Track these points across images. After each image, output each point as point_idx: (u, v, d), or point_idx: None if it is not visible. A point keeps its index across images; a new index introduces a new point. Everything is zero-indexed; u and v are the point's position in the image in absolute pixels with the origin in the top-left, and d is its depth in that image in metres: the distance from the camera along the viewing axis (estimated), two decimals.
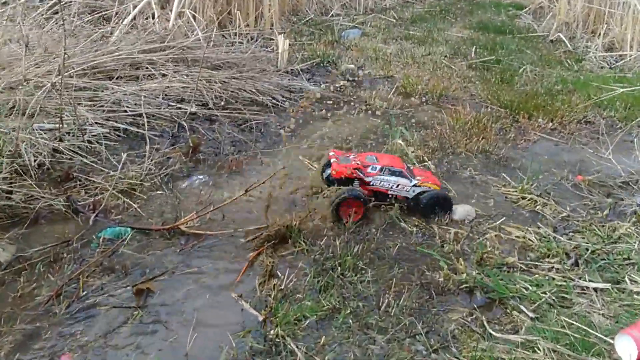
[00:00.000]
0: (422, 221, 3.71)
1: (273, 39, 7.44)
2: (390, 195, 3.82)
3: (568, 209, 4.00)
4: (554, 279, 3.12)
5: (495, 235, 3.60)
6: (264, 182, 3.72)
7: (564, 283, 3.08)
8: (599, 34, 8.36)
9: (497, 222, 3.75)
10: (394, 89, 6.20)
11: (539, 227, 3.72)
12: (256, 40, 7.64)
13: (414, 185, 3.80)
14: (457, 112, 5.48)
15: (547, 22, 9.61)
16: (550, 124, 5.44)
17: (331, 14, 9.95)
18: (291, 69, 6.57)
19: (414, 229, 3.63)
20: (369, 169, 3.78)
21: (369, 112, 5.60)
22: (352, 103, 5.83)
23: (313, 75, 6.63)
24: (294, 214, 3.51)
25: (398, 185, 3.79)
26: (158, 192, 3.96)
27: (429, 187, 3.82)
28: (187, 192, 3.98)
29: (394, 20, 9.73)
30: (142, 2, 6.95)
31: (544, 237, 3.59)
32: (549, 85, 6.42)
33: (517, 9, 11.21)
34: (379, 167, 3.79)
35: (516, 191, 4.18)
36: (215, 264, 3.22)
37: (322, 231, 3.50)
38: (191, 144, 4.59)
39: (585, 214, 3.95)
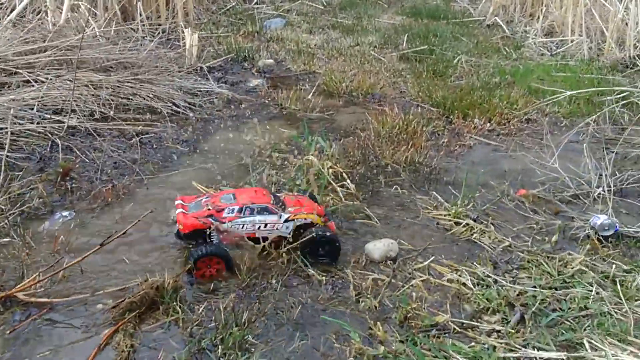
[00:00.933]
0: (333, 266, 2.97)
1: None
2: (259, 238, 3.01)
3: (510, 236, 3.33)
4: (494, 347, 2.42)
5: (423, 281, 2.88)
6: (124, 233, 2.88)
7: (508, 354, 2.37)
8: (538, 17, 7.78)
9: (426, 262, 3.04)
10: (314, 89, 5.41)
11: (476, 266, 3.02)
12: (164, 34, 6.71)
13: (287, 221, 3.01)
14: (384, 114, 4.74)
15: (484, 5, 8.98)
16: (488, 124, 4.78)
17: (255, 1, 9.05)
18: (200, 67, 5.69)
19: (324, 277, 2.88)
20: (224, 213, 2.94)
21: (284, 118, 4.82)
22: (265, 107, 5.02)
23: (225, 74, 5.78)
24: (166, 272, 2.69)
25: (266, 225, 2.98)
26: (4, 239, 3.08)
27: (306, 219, 3.04)
28: (44, 238, 3.12)
29: (322, 7, 8.92)
30: None
31: (482, 281, 2.90)
32: (486, 78, 5.77)
33: None
34: (236, 207, 2.95)
35: (449, 215, 3.48)
36: (56, 351, 2.39)
37: (205, 288, 2.72)
38: (60, 169, 3.72)
39: (530, 242, 3.28)
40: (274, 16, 8.28)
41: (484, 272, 2.95)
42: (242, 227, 2.95)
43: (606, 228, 3.34)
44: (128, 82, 4.85)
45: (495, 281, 2.90)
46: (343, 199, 3.60)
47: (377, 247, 3.06)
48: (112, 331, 2.45)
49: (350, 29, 7.67)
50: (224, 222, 2.93)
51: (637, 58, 6.43)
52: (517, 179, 3.97)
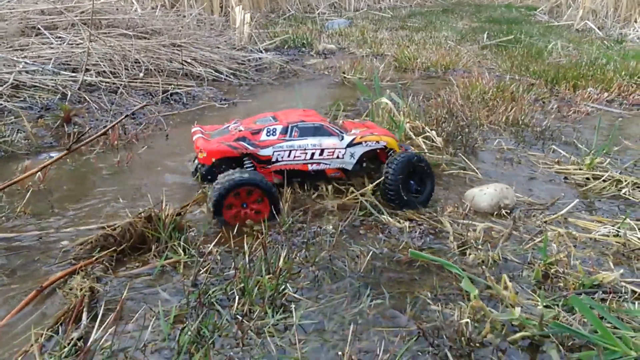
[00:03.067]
0: (419, 213, 1.96)
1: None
2: (311, 173, 2.06)
3: None
4: None
5: (564, 234, 1.82)
6: (103, 133, 2.00)
7: None
8: (635, 20, 6.70)
9: (561, 212, 1.98)
10: (384, 63, 4.50)
11: (638, 219, 1.94)
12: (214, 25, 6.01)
13: (350, 145, 2.06)
14: (472, 82, 3.75)
15: (570, 13, 7.97)
16: (606, 94, 3.69)
17: (317, 12, 8.38)
18: (251, 49, 4.90)
19: (407, 223, 1.87)
20: (262, 135, 2.01)
21: (347, 87, 3.91)
22: (325, 77, 4.14)
23: (280, 55, 4.96)
24: (163, 201, 1.74)
25: (322, 151, 2.03)
26: None
27: (378, 142, 2.09)
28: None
29: (389, 16, 8.13)
30: None
31: None
32: (592, 60, 4.70)
33: (530, 10, 9.61)
34: (279, 127, 2.03)
35: (581, 168, 2.42)
36: None
37: (227, 230, 1.76)
38: (61, 114, 2.90)
39: None
40: (337, 19, 7.55)
41: None
42: (289, 154, 2.00)
43: None
44: (165, 46, 4.08)
45: None
46: (427, 152, 2.61)
47: (486, 193, 2.03)
48: (64, 274, 1.50)
49: (422, 29, 6.79)
50: (263, 148, 1.99)
51: None
52: None
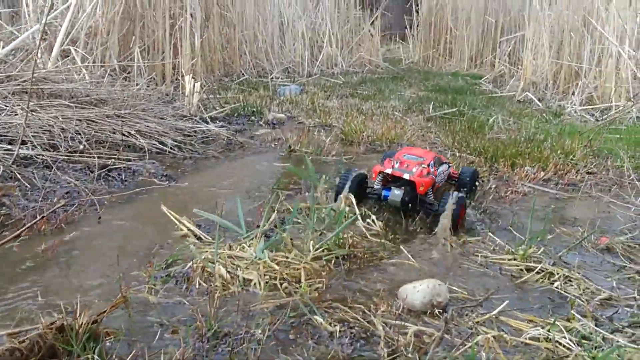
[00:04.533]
0: (348, 309, 1.91)
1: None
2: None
3: (606, 285, 2.26)
4: None
5: (494, 337, 1.79)
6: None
7: None
8: (573, 92, 7.00)
9: (493, 312, 1.96)
10: (331, 136, 4.52)
11: (568, 319, 1.94)
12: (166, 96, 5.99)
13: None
14: None
15: (512, 84, 8.29)
16: (543, 173, 3.78)
17: (271, 77, 8.46)
18: (201, 117, 4.88)
19: (337, 327, 1.81)
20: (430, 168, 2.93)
21: (293, 160, 3.90)
22: (271, 150, 4.13)
23: (229, 124, 4.94)
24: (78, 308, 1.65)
25: (444, 174, 3.16)
26: None
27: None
28: None
29: (340, 82, 8.28)
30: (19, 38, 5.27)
31: (585, 339, 1.81)
32: (530, 135, 4.84)
33: (475, 78, 9.95)
34: (430, 162, 2.95)
35: (515, 258, 2.43)
36: None
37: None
38: None
39: (637, 293, 2.20)
40: (289, 85, 7.63)
41: (585, 327, 1.86)
42: (440, 179, 3.03)
43: None
44: (109, 117, 4.01)
45: (604, 338, 1.81)
46: (368, 235, 2.60)
47: (419, 290, 2.00)
48: None
49: (371, 97, 6.92)
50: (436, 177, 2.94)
51: None
52: (595, 226, 2.93)
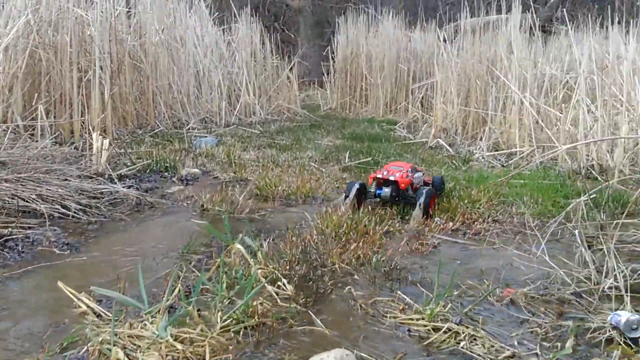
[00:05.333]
0: None
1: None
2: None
3: (510, 342, 2.32)
4: None
5: None
6: None
7: None
8: (481, 138, 7.35)
9: None
10: (245, 192, 4.49)
11: None
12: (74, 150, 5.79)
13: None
14: (328, 213, 3.83)
15: (424, 130, 8.61)
16: (451, 223, 3.90)
17: (188, 127, 8.37)
18: (109, 175, 4.72)
19: None
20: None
21: (205, 218, 3.83)
22: (183, 210, 4.04)
23: (139, 182, 4.81)
24: None
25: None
26: None
27: None
28: None
29: (258, 132, 8.30)
30: None
31: None
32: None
33: (391, 124, 10.27)
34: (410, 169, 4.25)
35: (423, 319, 2.46)
36: None
37: None
38: None
39: (539, 349, 2.28)
40: (205, 136, 7.56)
41: None
42: (417, 181, 4.27)
43: (634, 327, 2.39)
44: (7, 181, 3.81)
45: None
46: (279, 300, 2.57)
47: None
48: None
49: (288, 147, 6.97)
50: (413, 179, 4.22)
51: (590, 168, 5.91)
52: (500, 278, 3.04)
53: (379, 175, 4.10)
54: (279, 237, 3.47)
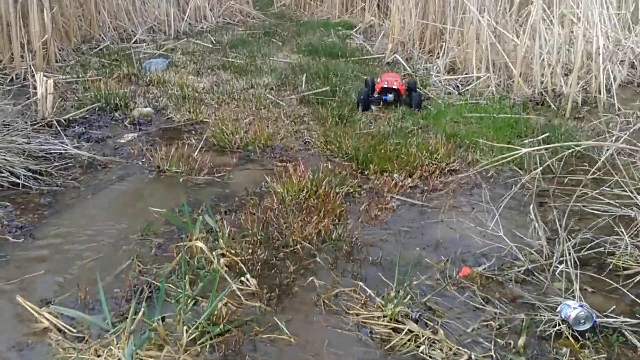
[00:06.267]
0: None
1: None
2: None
3: (466, 341, 2.41)
4: None
5: None
6: None
7: None
8: (438, 54, 7.17)
9: None
10: (202, 143, 4.32)
11: None
12: (17, 80, 5.39)
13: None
14: (288, 174, 3.75)
15: (380, 42, 8.33)
16: (409, 179, 3.89)
17: (134, 39, 7.85)
18: (57, 121, 4.45)
19: None
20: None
21: (162, 184, 3.70)
22: (139, 170, 3.88)
23: (90, 127, 4.57)
24: None
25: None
26: None
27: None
28: None
29: (211, 46, 7.86)
30: None
31: None
32: (398, 123, 4.93)
33: (347, 28, 9.88)
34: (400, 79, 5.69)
35: (384, 316, 2.51)
36: None
37: None
38: None
39: (493, 348, 2.38)
40: (155, 56, 7.12)
41: None
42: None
43: (582, 321, 2.50)
44: None
45: None
46: (243, 300, 2.57)
47: None
48: None
49: (243, 69, 6.66)
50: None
51: (544, 94, 5.91)
52: (456, 253, 3.10)
53: (385, 85, 5.35)
54: (240, 208, 3.40)
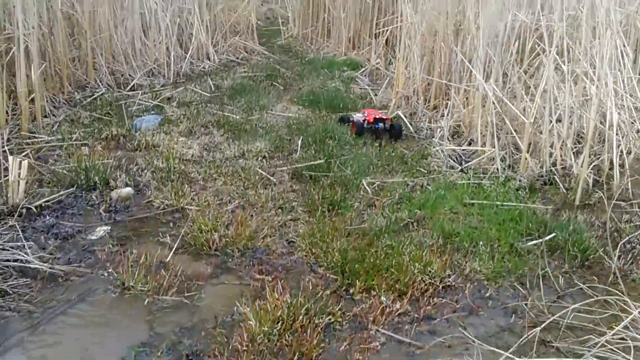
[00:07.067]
0: None
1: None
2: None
3: None
4: None
5: None
6: None
7: None
8: (442, 114, 6.73)
9: None
10: (177, 243, 3.93)
11: None
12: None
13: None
14: (264, 298, 3.34)
15: (384, 91, 7.90)
16: (398, 303, 3.47)
17: (131, 85, 7.48)
18: (27, 208, 4.08)
19: None
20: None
21: (123, 307, 3.30)
22: (102, 285, 3.48)
23: (62, 216, 4.18)
24: None
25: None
26: None
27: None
28: None
29: (209, 95, 7.47)
30: None
31: None
32: (392, 213, 4.51)
33: (353, 68, 9.46)
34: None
35: None
36: None
37: None
38: None
39: None
40: (150, 107, 6.75)
41: None
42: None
43: None
44: None
45: None
46: None
47: None
48: None
49: (238, 127, 6.25)
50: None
51: (554, 171, 5.45)
52: None
53: (376, 116, 6.14)
54: (205, 349, 2.99)
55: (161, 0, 8.40)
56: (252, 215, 4.33)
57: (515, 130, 5.82)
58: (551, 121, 5.59)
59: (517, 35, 7.16)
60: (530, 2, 8.30)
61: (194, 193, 4.66)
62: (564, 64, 5.70)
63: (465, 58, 6.55)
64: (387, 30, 9.39)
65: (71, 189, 4.50)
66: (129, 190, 4.57)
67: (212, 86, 7.81)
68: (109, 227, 4.09)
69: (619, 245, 4.17)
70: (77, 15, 7.08)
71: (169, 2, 8.60)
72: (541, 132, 5.70)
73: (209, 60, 9.03)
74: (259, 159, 5.47)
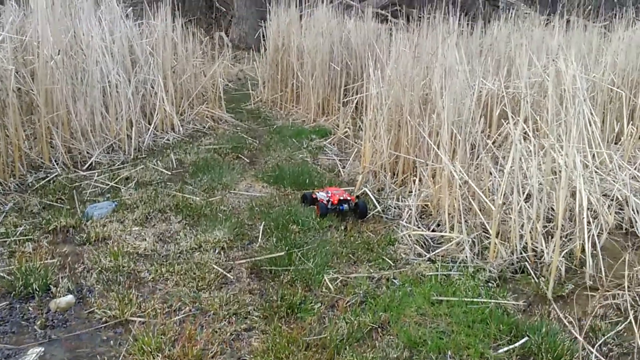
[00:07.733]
0: None
1: None
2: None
3: None
4: None
5: None
6: None
7: None
8: (410, 190, 6.49)
9: None
10: None
11: None
12: None
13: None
14: None
15: (352, 165, 7.68)
16: None
17: (89, 163, 7.13)
18: None
19: None
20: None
21: None
22: None
23: None
24: None
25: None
26: None
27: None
28: None
29: (170, 174, 7.14)
30: None
31: None
32: (354, 318, 4.16)
33: (322, 136, 9.26)
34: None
35: None
36: None
37: None
38: None
39: None
40: (105, 190, 6.39)
41: None
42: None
43: None
44: None
45: None
46: None
47: None
48: None
49: (197, 211, 5.91)
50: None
51: (525, 257, 5.19)
52: None
53: (341, 197, 5.86)
54: None
55: (123, 72, 8.14)
56: (202, 327, 3.94)
57: (482, 211, 5.60)
58: (519, 202, 5.36)
59: (484, 103, 7.07)
60: (497, 69, 8.30)
61: (141, 299, 4.26)
62: (531, 135, 5.56)
63: (432, 135, 6.38)
64: (355, 98, 9.28)
65: (5, 302, 4.05)
66: (69, 299, 4.15)
67: (174, 161, 7.50)
68: (43, 349, 3.66)
69: (595, 348, 3.91)
70: (32, 94, 6.76)
71: (132, 74, 8.36)
72: (510, 213, 5.47)
73: (174, 131, 8.75)
74: (217, 250, 5.11)
